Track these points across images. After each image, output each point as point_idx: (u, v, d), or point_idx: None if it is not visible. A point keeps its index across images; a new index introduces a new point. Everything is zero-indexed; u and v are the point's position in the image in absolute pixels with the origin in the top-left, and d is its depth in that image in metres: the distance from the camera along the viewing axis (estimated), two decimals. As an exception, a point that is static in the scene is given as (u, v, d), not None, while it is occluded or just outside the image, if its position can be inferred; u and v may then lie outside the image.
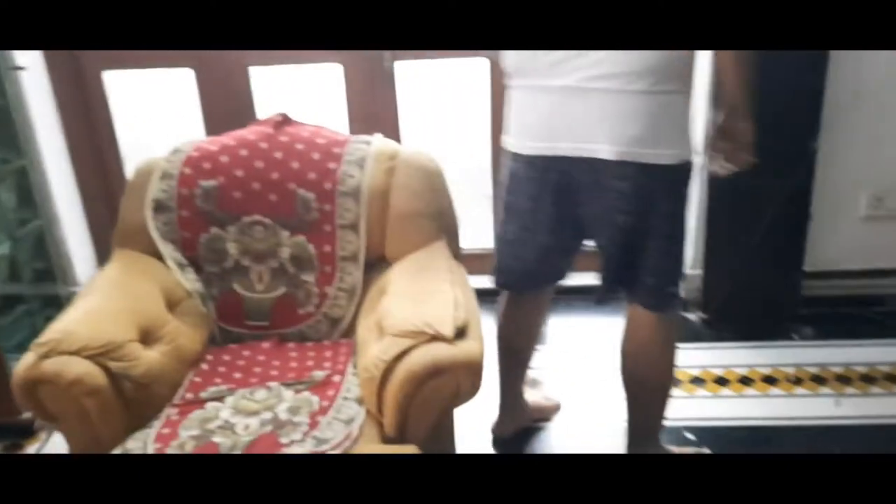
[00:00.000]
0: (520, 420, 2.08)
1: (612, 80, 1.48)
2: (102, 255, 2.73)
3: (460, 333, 1.49)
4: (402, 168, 1.86)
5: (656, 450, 1.90)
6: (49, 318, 1.78)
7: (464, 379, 1.46)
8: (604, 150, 1.53)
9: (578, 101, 1.53)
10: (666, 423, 1.87)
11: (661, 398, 1.82)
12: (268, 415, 1.54)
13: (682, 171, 1.58)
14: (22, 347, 2.31)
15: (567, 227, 1.70)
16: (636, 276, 1.66)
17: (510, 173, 1.70)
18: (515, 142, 1.67)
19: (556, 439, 2.08)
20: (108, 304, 1.63)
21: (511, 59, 1.62)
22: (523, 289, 1.87)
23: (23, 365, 1.47)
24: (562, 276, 1.85)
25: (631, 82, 1.48)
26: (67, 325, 1.54)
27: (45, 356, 1.47)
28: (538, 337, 1.99)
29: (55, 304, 2.52)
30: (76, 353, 1.47)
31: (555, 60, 1.52)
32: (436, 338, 1.47)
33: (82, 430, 1.49)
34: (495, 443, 2.05)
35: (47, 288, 2.58)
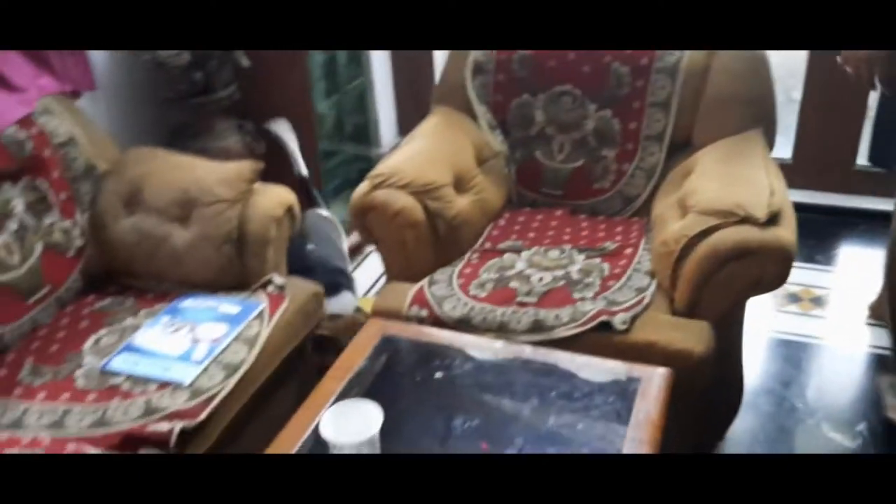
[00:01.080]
0: None
1: None
2: (403, 124, 2.97)
3: (772, 221, 1.44)
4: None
5: None
6: (362, 171, 1.98)
7: (770, 266, 1.41)
8: None
9: None
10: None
11: None
12: (560, 272, 1.61)
13: None
14: (337, 190, 2.64)
15: None
16: None
17: None
18: None
19: (835, 361, 1.96)
20: (430, 151, 1.79)
21: None
22: None
23: (358, 192, 1.68)
24: None
25: None
26: (396, 163, 1.71)
27: (377, 187, 1.66)
28: None
29: (364, 160, 2.80)
30: (403, 188, 1.65)
31: None
32: (746, 220, 1.42)
33: (399, 256, 1.69)
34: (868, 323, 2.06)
35: (359, 148, 2.88)
